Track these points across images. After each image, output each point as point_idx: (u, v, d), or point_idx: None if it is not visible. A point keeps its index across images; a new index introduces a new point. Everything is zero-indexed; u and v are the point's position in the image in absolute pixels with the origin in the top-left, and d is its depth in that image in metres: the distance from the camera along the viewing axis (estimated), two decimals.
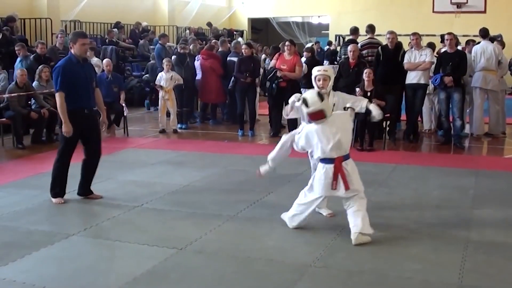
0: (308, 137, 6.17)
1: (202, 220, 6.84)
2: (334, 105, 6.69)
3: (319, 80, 6.76)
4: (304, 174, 8.70)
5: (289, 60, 12.07)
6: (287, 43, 12.45)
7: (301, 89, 12.39)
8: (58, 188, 7.56)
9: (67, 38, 15.59)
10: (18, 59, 13.18)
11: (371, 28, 12.86)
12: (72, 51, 7.37)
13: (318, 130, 6.07)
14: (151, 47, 19.89)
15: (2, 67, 13.04)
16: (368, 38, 12.77)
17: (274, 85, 12.02)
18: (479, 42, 12.54)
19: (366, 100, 7.03)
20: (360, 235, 5.98)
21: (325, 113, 6.02)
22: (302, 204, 6.38)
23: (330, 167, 6.05)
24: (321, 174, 6.13)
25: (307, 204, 6.34)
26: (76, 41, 7.32)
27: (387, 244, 6.05)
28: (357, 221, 6.05)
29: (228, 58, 14.01)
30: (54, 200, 7.52)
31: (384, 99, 10.73)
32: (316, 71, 6.90)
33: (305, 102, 6.03)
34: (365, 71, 10.94)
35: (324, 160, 6.09)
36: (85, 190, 7.74)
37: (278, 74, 11.94)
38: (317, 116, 6.02)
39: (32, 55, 13.61)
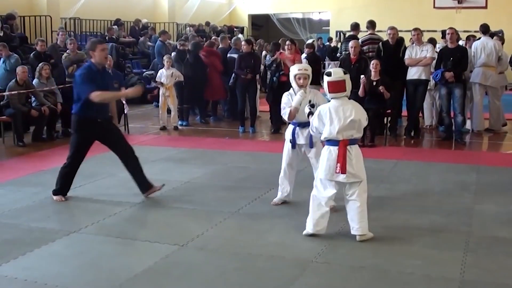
0: (321, 115, 5.93)
1: (203, 217, 6.84)
2: (310, 101, 6.62)
3: (299, 79, 6.87)
4: (305, 171, 8.67)
5: (289, 56, 12.12)
6: (287, 42, 12.48)
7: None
8: (61, 186, 7.57)
9: (67, 36, 15.63)
10: (1, 60, 12.93)
11: (371, 24, 12.85)
12: (93, 60, 7.23)
13: (331, 109, 5.88)
14: (149, 43, 19.86)
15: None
16: (369, 34, 12.75)
17: (275, 78, 12.05)
18: (479, 38, 12.53)
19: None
20: (363, 236, 5.97)
21: (346, 86, 5.89)
22: (315, 201, 6.11)
23: (335, 149, 5.85)
24: (324, 155, 5.96)
25: (319, 199, 6.07)
26: (95, 48, 7.19)
27: (389, 239, 6.05)
28: (361, 223, 5.95)
29: (228, 55, 14.00)
30: (55, 197, 7.52)
31: (389, 91, 10.74)
32: (296, 69, 6.96)
33: (328, 74, 5.95)
34: (372, 62, 10.99)
35: (330, 142, 5.91)
36: (146, 186, 7.61)
37: (277, 57, 12.15)
38: (338, 87, 5.88)
39: (32, 53, 13.59)
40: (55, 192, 7.55)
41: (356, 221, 5.94)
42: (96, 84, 7.10)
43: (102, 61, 7.34)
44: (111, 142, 7.59)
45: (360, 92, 10.79)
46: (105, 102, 7.28)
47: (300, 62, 12.16)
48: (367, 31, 12.95)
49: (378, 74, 10.86)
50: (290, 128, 7.11)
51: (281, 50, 12.57)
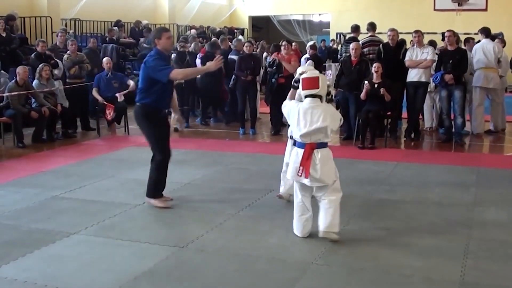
0: (290, 111, 6.00)
1: (203, 218, 6.83)
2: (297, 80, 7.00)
3: None
4: None
5: (285, 57, 12.16)
6: (284, 43, 12.48)
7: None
8: (158, 189, 7.40)
9: (68, 36, 15.64)
10: None
11: (372, 26, 12.84)
12: (158, 47, 7.16)
13: (300, 110, 5.84)
14: (145, 45, 19.79)
15: (2, 67, 12.99)
16: (370, 36, 12.75)
17: (273, 80, 12.09)
18: (479, 41, 12.54)
19: None
20: (326, 233, 5.95)
21: (319, 83, 5.81)
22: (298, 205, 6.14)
23: (301, 151, 5.83)
24: (292, 156, 5.99)
25: (299, 202, 6.10)
26: (161, 36, 7.16)
27: (389, 241, 6.05)
28: (325, 219, 5.91)
29: (229, 56, 13.99)
30: (153, 201, 7.32)
31: (390, 93, 10.75)
32: (301, 70, 6.84)
33: (302, 73, 6.06)
34: (374, 65, 11.01)
35: (298, 144, 5.91)
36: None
37: (274, 57, 12.23)
38: (311, 84, 5.84)
39: (33, 54, 13.60)
40: (152, 196, 7.38)
41: (323, 219, 5.92)
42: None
43: (168, 48, 7.35)
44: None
45: (362, 95, 10.82)
46: (187, 78, 7.19)
47: (297, 62, 12.19)
48: (367, 33, 12.95)
49: (380, 77, 10.86)
50: None
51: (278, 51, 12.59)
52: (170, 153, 7.35)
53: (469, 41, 13.21)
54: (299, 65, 12.26)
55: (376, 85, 10.78)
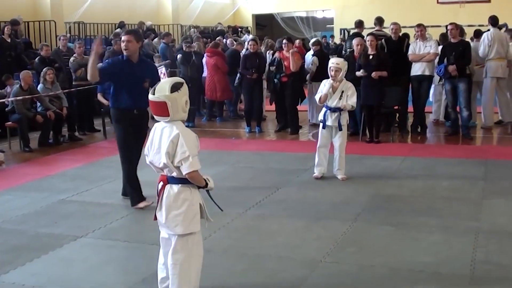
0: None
1: (211, 218, 6.79)
2: (342, 92, 8.19)
3: (332, 71, 8.22)
4: (311, 170, 8.67)
5: (287, 56, 12.09)
6: (284, 41, 12.43)
7: (312, 82, 12.49)
8: (135, 194, 7.40)
9: (73, 40, 15.65)
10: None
11: (379, 21, 12.77)
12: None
13: (153, 130, 4.56)
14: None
15: (7, 72, 12.98)
16: (375, 30, 12.71)
17: (276, 80, 12.07)
18: (487, 30, 12.45)
19: (353, 100, 8.24)
20: None
21: (169, 110, 4.35)
22: None
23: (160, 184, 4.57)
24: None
25: None
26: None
27: (398, 237, 6.02)
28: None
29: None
30: (140, 205, 7.30)
31: (386, 68, 10.72)
32: (330, 63, 8.33)
33: (152, 91, 4.42)
34: (367, 37, 10.99)
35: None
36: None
37: (277, 56, 12.24)
38: (158, 110, 4.39)
39: (37, 58, 13.60)
40: (135, 202, 7.38)
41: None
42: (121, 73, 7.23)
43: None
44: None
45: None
46: (92, 73, 7.13)
47: (300, 59, 12.12)
48: (374, 28, 12.89)
49: (375, 48, 10.78)
50: (323, 110, 8.38)
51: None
52: (135, 162, 7.38)
53: (480, 34, 13.03)
54: (302, 62, 12.26)
55: (371, 56, 10.69)
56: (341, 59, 8.65)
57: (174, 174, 4.39)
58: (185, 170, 4.33)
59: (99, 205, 7.55)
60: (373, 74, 10.55)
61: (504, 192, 7.52)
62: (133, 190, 7.41)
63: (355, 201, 7.28)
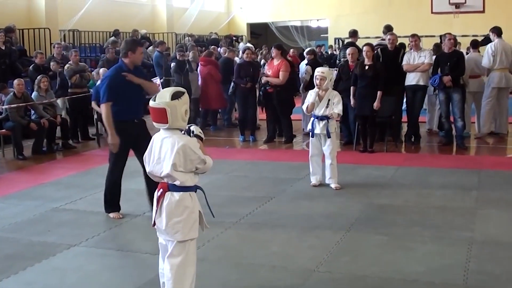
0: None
1: (207, 225, 6.79)
2: (329, 100, 8.29)
3: (316, 79, 8.39)
4: (305, 179, 8.69)
5: (275, 65, 12.10)
6: (272, 48, 12.45)
7: (305, 91, 12.47)
8: (111, 203, 7.37)
9: (68, 47, 15.66)
10: None
11: (387, 29, 12.80)
12: (126, 60, 7.07)
13: (153, 140, 4.57)
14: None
15: (2, 80, 12.97)
16: (380, 40, 12.80)
17: (261, 92, 12.12)
18: (484, 40, 12.51)
19: (339, 108, 8.36)
20: None
21: (168, 117, 4.36)
22: None
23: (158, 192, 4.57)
24: None
25: None
26: (136, 50, 7.05)
27: (391, 247, 6.02)
28: None
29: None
30: (110, 215, 7.30)
31: (382, 74, 10.75)
32: (316, 71, 8.53)
33: (153, 98, 4.44)
34: (363, 48, 10.98)
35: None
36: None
37: (263, 80, 12.18)
38: (157, 117, 4.40)
39: (31, 65, 13.61)
40: (108, 211, 7.37)
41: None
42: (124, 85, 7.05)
43: (138, 62, 7.26)
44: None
45: (352, 103, 10.81)
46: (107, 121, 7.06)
47: (285, 70, 12.02)
48: (382, 36, 12.96)
49: (371, 59, 10.81)
50: (311, 120, 8.54)
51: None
52: (118, 175, 7.36)
53: (478, 44, 13.05)
54: (288, 73, 12.12)
55: (367, 67, 10.71)
56: (327, 68, 8.96)
57: (177, 182, 4.40)
58: (203, 171, 4.51)
59: (93, 213, 7.53)
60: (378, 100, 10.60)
61: (498, 202, 7.53)
62: (112, 197, 7.37)
63: (349, 210, 7.28)
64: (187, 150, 4.34)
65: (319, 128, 8.34)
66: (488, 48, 12.17)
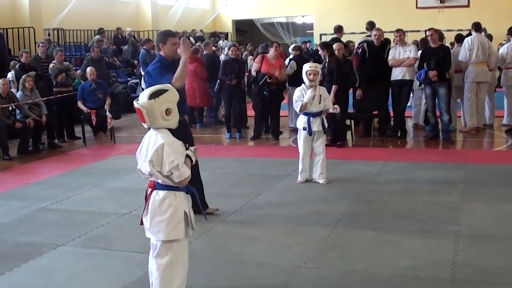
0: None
1: (196, 226, 6.77)
2: (320, 96, 8.26)
3: (309, 74, 8.20)
4: (292, 175, 8.70)
5: (275, 64, 12.10)
6: (274, 45, 12.42)
7: (289, 87, 12.50)
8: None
9: (50, 47, 15.59)
10: None
11: (370, 25, 12.88)
12: (162, 52, 6.69)
13: (145, 138, 4.51)
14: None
15: None
16: (366, 36, 12.83)
17: (265, 92, 11.99)
18: (468, 35, 12.57)
19: (330, 102, 8.47)
20: None
21: (145, 117, 4.33)
22: None
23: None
24: None
25: None
26: (166, 41, 6.65)
27: (378, 242, 6.03)
28: None
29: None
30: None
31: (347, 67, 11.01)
32: (307, 67, 8.30)
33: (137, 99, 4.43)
34: (334, 46, 11.16)
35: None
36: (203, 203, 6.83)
37: (269, 80, 12.01)
38: (139, 116, 4.40)
39: (17, 64, 13.52)
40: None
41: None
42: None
43: (174, 54, 6.69)
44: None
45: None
46: (184, 79, 6.66)
47: (284, 67, 12.13)
48: (366, 32, 12.98)
49: (342, 56, 10.94)
50: (302, 118, 8.38)
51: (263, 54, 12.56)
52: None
53: (462, 39, 13.09)
54: (284, 69, 12.26)
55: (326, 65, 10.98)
56: (316, 63, 8.94)
57: (159, 180, 4.34)
58: (176, 179, 4.28)
59: (79, 212, 7.49)
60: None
61: (484, 196, 7.56)
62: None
63: (336, 206, 7.29)
64: (165, 149, 4.25)
65: (316, 125, 8.30)
66: (465, 42, 12.23)
